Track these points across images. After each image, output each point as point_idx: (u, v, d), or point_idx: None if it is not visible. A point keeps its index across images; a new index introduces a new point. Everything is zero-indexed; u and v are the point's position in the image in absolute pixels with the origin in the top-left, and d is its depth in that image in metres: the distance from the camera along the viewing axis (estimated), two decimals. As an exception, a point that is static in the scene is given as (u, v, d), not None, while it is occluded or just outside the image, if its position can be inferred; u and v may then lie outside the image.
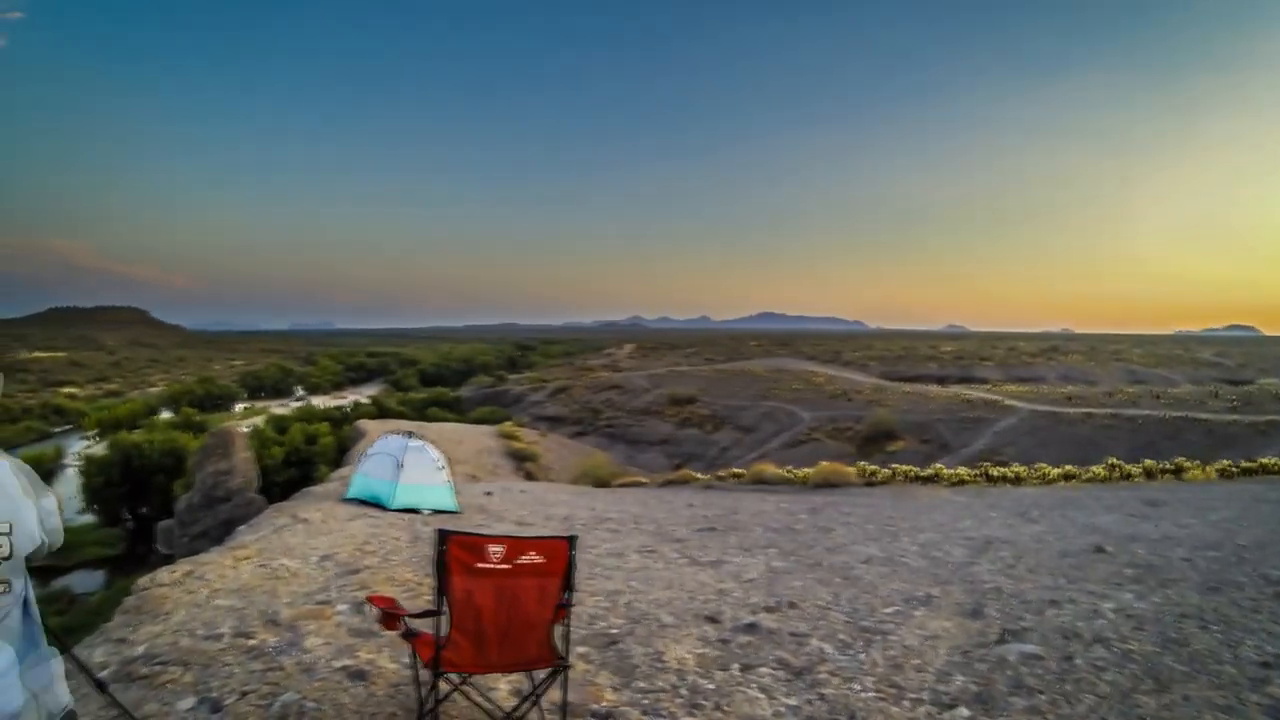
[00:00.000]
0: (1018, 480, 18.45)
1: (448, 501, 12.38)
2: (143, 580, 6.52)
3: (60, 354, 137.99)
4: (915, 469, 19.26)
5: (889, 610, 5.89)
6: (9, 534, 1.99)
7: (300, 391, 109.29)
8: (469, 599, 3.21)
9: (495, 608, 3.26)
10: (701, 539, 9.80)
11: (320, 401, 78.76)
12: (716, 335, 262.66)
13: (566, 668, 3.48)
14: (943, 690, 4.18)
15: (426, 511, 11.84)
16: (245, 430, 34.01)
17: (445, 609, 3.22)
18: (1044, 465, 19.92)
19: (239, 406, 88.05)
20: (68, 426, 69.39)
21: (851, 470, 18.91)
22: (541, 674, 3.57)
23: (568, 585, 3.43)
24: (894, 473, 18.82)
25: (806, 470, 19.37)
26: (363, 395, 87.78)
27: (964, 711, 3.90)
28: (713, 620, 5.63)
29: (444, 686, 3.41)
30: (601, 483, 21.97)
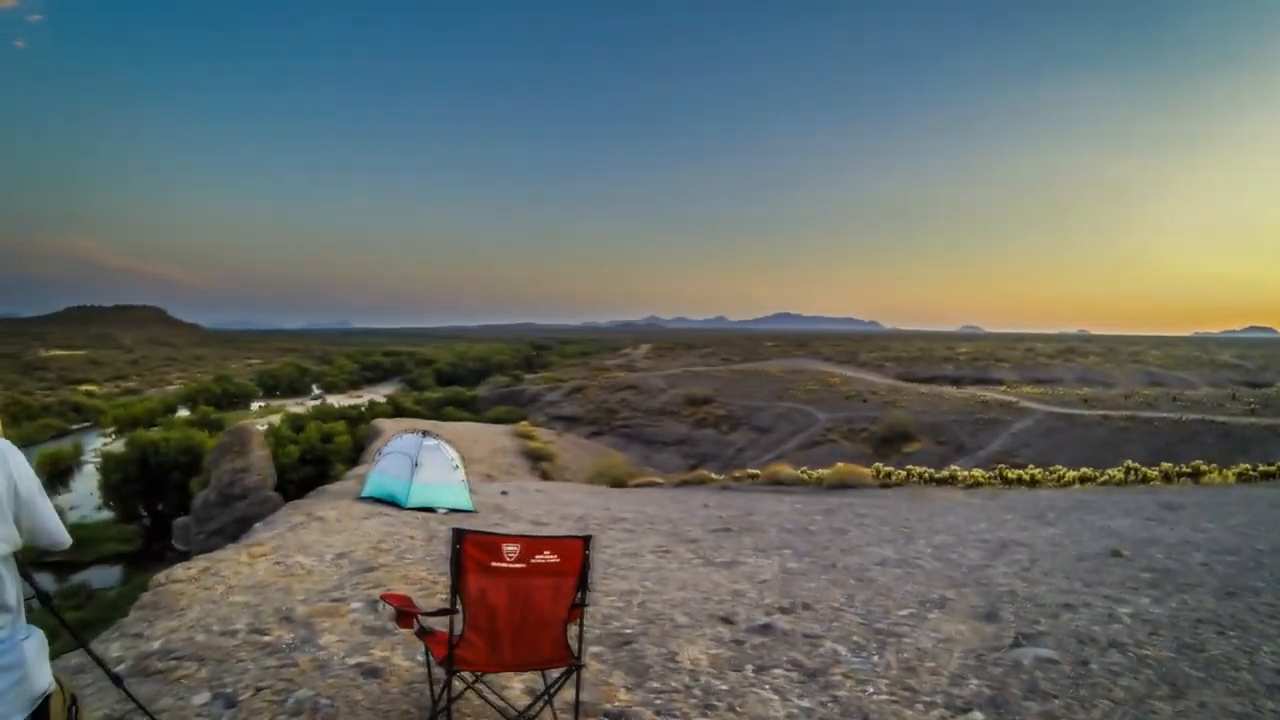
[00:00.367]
0: (1033, 483, 18.33)
1: (463, 500, 12.42)
2: (159, 576, 6.59)
3: (79, 352, 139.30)
4: (930, 470, 19.17)
5: (903, 612, 5.87)
6: None
7: (316, 390, 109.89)
8: (483, 598, 3.22)
9: (509, 607, 3.27)
10: (716, 539, 9.79)
11: (336, 400, 79.17)
12: (733, 335, 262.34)
13: (580, 667, 3.49)
14: (956, 694, 4.16)
15: (442, 510, 11.88)
16: (261, 428, 34.25)
17: (460, 607, 3.23)
18: (1060, 468, 19.79)
19: (255, 405, 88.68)
20: (86, 424, 70.14)
21: (867, 471, 18.84)
22: (555, 673, 3.58)
23: (583, 585, 3.43)
24: (909, 474, 18.73)
25: (822, 471, 19.31)
26: (379, 394, 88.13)
27: (978, 715, 3.88)
28: (727, 621, 5.62)
29: (457, 685, 3.43)
30: (617, 483, 21.97)
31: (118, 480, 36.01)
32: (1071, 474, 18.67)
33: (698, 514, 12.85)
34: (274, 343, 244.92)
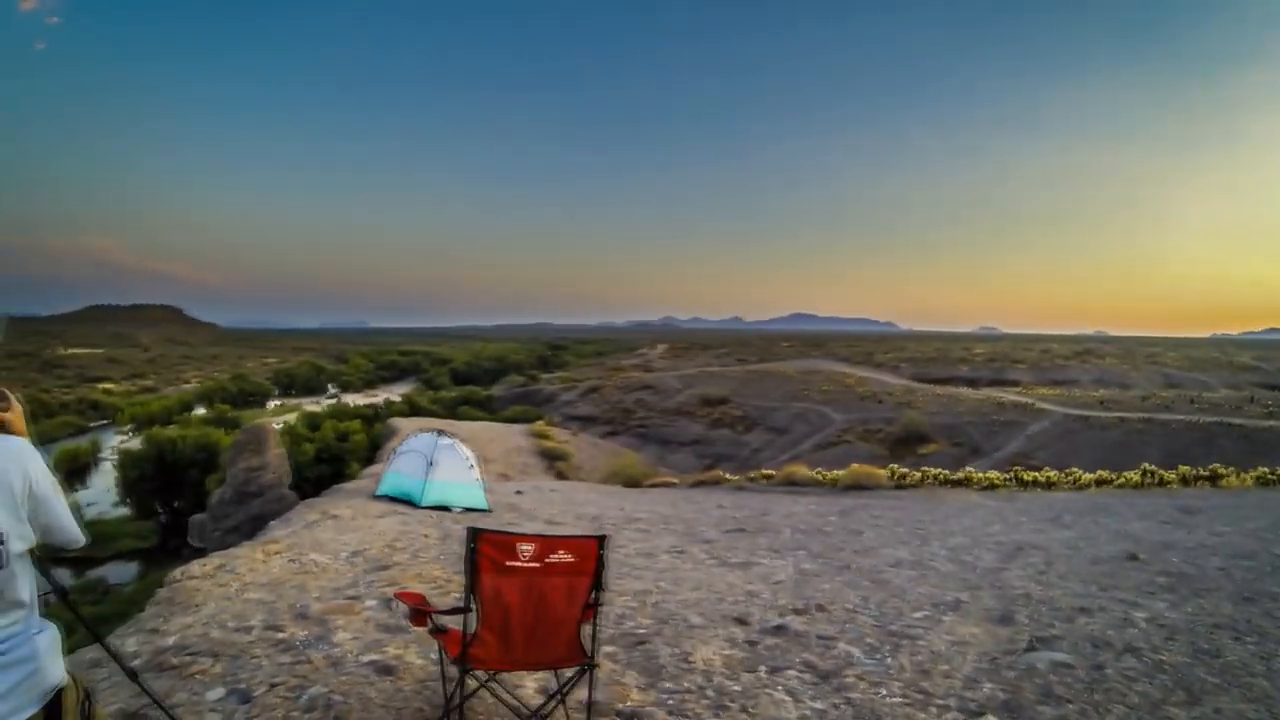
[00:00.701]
0: (1049, 485, 18.19)
1: (478, 500, 12.47)
2: (175, 573, 6.66)
3: (97, 351, 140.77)
4: (946, 472, 19.05)
5: (917, 615, 5.84)
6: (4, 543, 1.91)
7: (333, 389, 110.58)
8: (498, 596, 3.23)
9: (524, 605, 3.27)
10: (731, 540, 9.78)
11: (352, 399, 79.65)
12: (749, 336, 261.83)
13: (593, 667, 3.49)
14: (970, 697, 4.14)
15: (457, 509, 11.94)
16: (278, 427, 34.50)
17: (474, 606, 3.25)
18: (1076, 470, 19.62)
19: (272, 403, 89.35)
20: (104, 421, 70.94)
21: (882, 473, 18.75)
22: (568, 672, 3.59)
23: (597, 585, 3.43)
24: (924, 476, 18.63)
25: (837, 472, 19.24)
26: (395, 393, 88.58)
27: (991, 719, 3.86)
28: (741, 622, 5.62)
29: (471, 683, 3.44)
30: (632, 483, 21.98)
31: (135, 477, 36.40)
32: (1088, 476, 18.51)
33: (712, 514, 12.84)
34: (290, 342, 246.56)
